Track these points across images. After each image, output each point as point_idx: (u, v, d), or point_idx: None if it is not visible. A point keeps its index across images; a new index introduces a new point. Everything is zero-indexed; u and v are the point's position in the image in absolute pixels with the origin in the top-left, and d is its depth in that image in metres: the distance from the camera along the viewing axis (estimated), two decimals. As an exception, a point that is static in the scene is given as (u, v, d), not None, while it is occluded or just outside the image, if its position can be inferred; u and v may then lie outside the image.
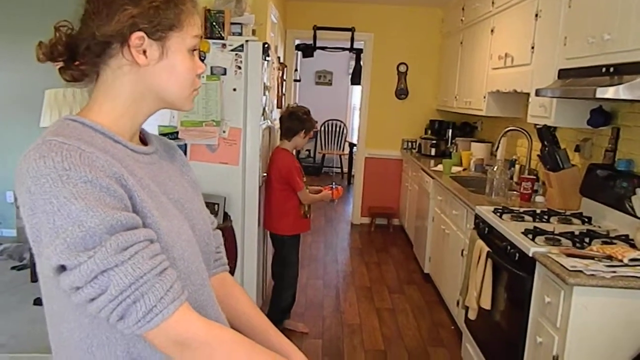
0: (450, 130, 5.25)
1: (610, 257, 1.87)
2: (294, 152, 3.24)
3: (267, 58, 2.97)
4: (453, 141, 5.00)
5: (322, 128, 8.93)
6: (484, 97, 3.83)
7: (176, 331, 0.76)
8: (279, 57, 4.48)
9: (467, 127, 5.25)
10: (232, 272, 2.76)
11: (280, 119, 3.17)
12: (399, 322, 3.48)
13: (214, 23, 2.70)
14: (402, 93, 5.72)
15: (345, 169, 8.68)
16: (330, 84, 9.16)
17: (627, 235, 2.16)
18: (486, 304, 2.40)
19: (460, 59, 4.65)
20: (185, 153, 2.86)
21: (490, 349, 2.52)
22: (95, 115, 0.86)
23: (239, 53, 2.82)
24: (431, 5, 5.44)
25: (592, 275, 1.74)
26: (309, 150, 9.06)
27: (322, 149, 9.04)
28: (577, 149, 2.90)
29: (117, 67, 0.86)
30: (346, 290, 4.02)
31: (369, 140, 5.86)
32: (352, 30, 5.60)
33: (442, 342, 3.22)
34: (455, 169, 4.23)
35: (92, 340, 0.81)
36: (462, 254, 3.07)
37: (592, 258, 1.87)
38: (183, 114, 2.79)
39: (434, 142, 5.20)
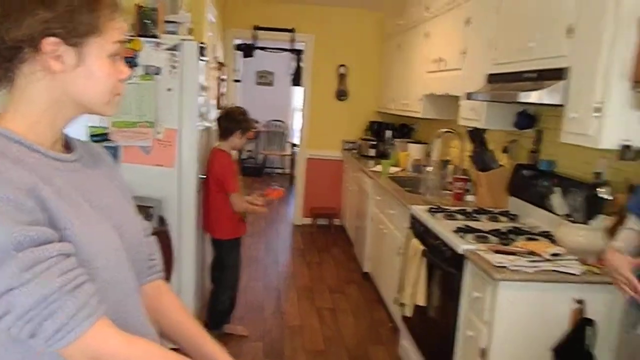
0: (390, 132, 5.36)
1: (532, 253, 1.98)
2: (234, 153, 3.20)
3: (203, 58, 2.92)
4: (392, 142, 5.11)
5: (264, 129, 8.87)
6: (420, 100, 3.94)
7: (91, 347, 0.74)
8: (216, 57, 4.41)
9: (405, 129, 5.38)
10: (168, 277, 2.68)
11: (218, 119, 3.13)
12: (339, 322, 3.52)
13: (147, 20, 2.61)
14: (342, 94, 5.79)
15: (288, 170, 8.67)
16: (272, 85, 9.11)
17: (548, 232, 2.29)
18: (421, 301, 2.47)
19: (398, 62, 4.77)
20: (117, 155, 2.76)
21: (426, 344, 2.60)
22: (9, 122, 0.83)
23: (174, 52, 2.74)
24: (371, 8, 5.53)
25: (516, 270, 1.84)
26: (250, 151, 8.98)
27: (264, 149, 8.99)
28: (505, 150, 3.04)
29: (30, 73, 0.82)
30: (287, 291, 4.02)
31: (311, 141, 5.89)
32: (292, 31, 5.61)
33: (380, 340, 3.29)
34: (393, 169, 4.32)
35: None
36: (399, 253, 3.14)
37: (516, 254, 1.97)
38: (115, 115, 2.68)
39: (374, 143, 5.28)
